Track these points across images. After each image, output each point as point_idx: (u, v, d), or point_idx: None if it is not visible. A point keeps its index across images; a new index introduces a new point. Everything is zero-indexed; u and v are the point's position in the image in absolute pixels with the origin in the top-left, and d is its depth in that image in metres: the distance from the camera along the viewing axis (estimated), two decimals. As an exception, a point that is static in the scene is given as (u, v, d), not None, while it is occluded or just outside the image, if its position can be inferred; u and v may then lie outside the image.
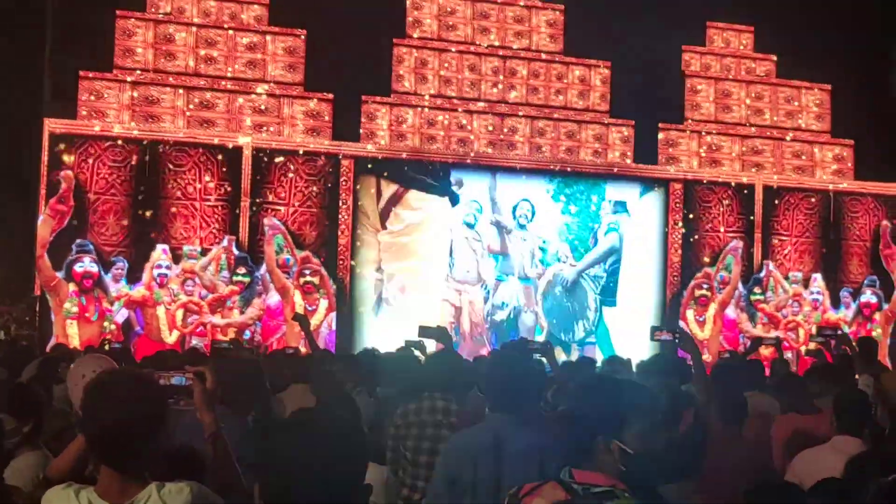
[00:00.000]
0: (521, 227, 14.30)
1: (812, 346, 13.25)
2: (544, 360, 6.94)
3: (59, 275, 12.35)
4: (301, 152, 13.41)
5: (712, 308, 14.80)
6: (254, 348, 11.41)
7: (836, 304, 15.39)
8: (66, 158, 12.51)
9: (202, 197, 13.05)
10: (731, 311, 14.94)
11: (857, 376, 6.73)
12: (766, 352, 12.89)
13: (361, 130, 13.80)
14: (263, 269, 13.15)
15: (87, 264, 12.43)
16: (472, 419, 4.74)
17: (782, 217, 15.34)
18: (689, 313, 14.74)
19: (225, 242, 13.01)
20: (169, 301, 12.76)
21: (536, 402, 4.59)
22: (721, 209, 15.07)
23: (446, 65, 14.34)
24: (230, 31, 13.59)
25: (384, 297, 13.74)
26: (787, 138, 15.57)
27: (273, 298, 13.16)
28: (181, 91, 13.23)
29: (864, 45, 16.14)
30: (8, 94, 13.64)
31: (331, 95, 13.69)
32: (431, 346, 8.17)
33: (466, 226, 14.08)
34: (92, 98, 12.90)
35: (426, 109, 14.12)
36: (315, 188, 13.46)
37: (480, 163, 14.12)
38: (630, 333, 14.34)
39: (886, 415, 5.67)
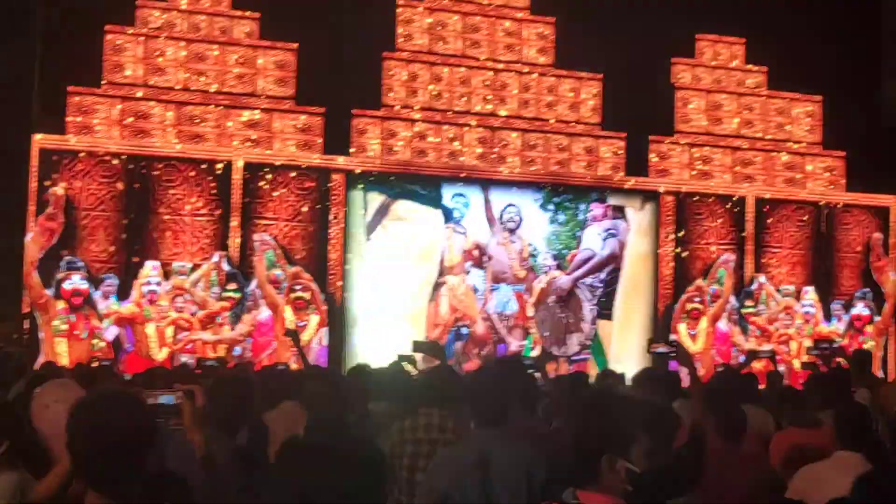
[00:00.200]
0: (510, 231, 14.27)
1: (805, 358, 13.22)
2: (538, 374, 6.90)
3: (49, 292, 12.26)
4: (291, 167, 13.35)
5: (704, 321, 14.75)
6: (245, 365, 11.32)
7: (828, 316, 15.36)
8: (55, 175, 12.44)
9: (192, 213, 12.98)
10: (723, 325, 14.90)
11: (853, 389, 6.68)
12: (758, 365, 12.86)
13: (352, 146, 13.74)
14: (254, 284, 13.07)
15: (76, 282, 12.34)
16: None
17: (774, 229, 15.33)
18: (681, 326, 14.68)
19: (215, 258, 12.93)
20: (159, 318, 12.66)
21: (523, 416, 4.57)
22: (713, 222, 15.05)
23: (437, 78, 14.31)
24: (220, 46, 13.54)
25: (376, 311, 13.66)
26: (783, 157, 15.57)
27: (264, 314, 13.08)
28: (171, 106, 13.18)
29: (855, 56, 16.17)
30: (-4, 110, 13.55)
31: (322, 110, 13.65)
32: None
33: (454, 221, 14.01)
34: (81, 114, 12.84)
35: (417, 123, 14.08)
36: (306, 203, 13.40)
37: (472, 176, 14.07)
38: (622, 347, 14.34)
39: (886, 429, 5.62)
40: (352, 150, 13.71)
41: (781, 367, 14.11)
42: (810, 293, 15.29)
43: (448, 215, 14.04)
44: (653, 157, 15.05)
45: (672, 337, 14.06)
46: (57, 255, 12.35)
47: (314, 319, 13.19)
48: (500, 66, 14.59)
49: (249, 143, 13.35)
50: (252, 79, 13.60)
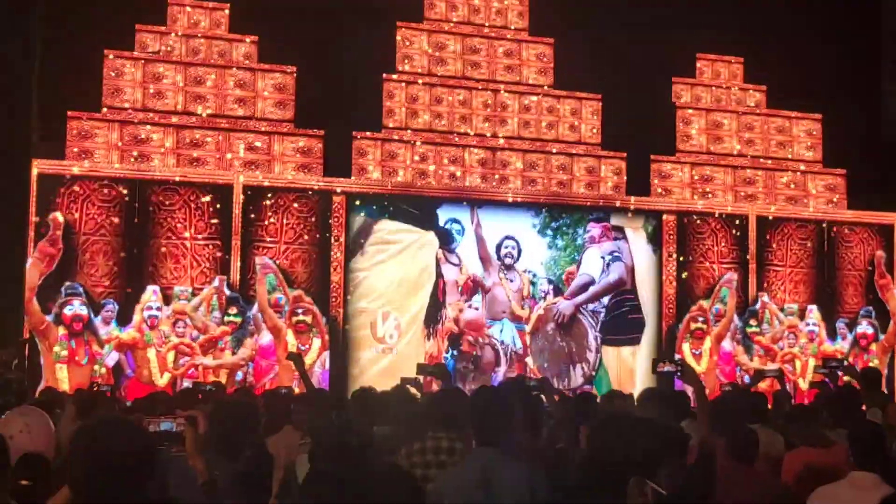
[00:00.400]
0: (508, 267, 14.07)
1: (813, 377, 13.15)
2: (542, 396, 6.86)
3: (49, 318, 12.21)
4: (292, 190, 13.31)
5: (708, 341, 14.67)
6: (247, 389, 11.25)
7: (832, 335, 15.28)
8: (55, 200, 12.40)
9: (193, 237, 12.93)
10: (727, 344, 14.82)
11: (864, 408, 6.60)
12: (763, 384, 12.78)
13: (353, 168, 13.71)
14: (255, 308, 13.00)
15: (76, 307, 12.30)
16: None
17: (776, 248, 15.27)
18: (685, 346, 14.60)
19: (216, 282, 12.88)
20: (160, 343, 12.61)
21: (527, 438, 4.58)
22: (715, 241, 14.99)
23: (437, 100, 14.29)
24: (219, 70, 13.53)
25: (378, 334, 13.55)
26: (783, 180, 15.52)
27: (265, 338, 13.01)
28: (170, 130, 13.15)
29: (855, 74, 16.16)
30: (-5, 135, 13.52)
31: (321, 132, 13.63)
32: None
33: (447, 250, 13.84)
34: (80, 139, 12.82)
35: (417, 144, 14.05)
36: (306, 226, 13.35)
37: (473, 197, 14.01)
38: (626, 368, 14.23)
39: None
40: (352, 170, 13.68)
41: (786, 387, 14.04)
42: (814, 312, 15.22)
43: (443, 239, 13.87)
44: (655, 180, 15.00)
45: (677, 356, 13.96)
46: (57, 280, 12.30)
47: (316, 343, 13.13)
48: (500, 87, 14.58)
49: (250, 166, 13.32)
50: (251, 102, 13.58)
